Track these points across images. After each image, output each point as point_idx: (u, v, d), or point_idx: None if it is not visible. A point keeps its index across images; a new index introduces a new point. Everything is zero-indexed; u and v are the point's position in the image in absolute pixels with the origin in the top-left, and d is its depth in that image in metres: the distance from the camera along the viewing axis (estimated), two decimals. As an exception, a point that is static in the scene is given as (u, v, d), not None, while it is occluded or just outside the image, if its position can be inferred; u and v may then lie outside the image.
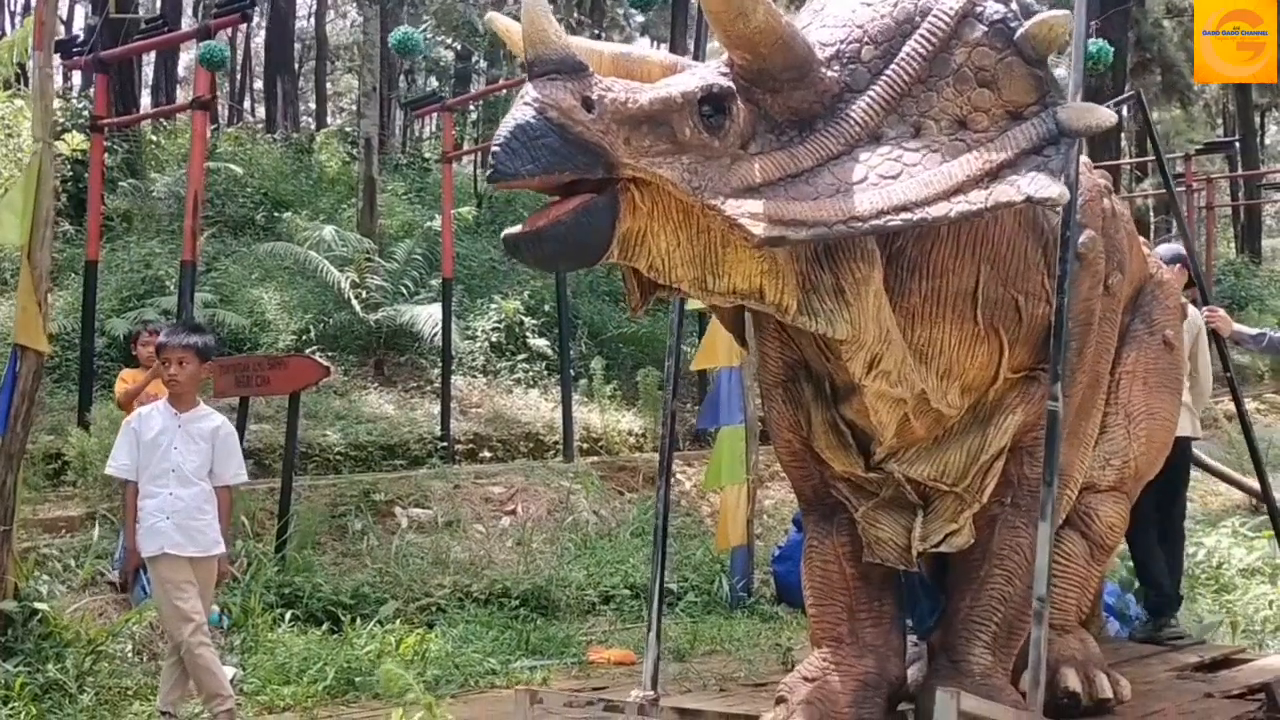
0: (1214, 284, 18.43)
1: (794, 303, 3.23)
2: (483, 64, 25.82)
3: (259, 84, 33.83)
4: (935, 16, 3.27)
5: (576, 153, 2.77)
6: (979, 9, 3.29)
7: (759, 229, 2.89)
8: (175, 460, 4.86)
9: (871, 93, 3.20)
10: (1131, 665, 5.48)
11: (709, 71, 3.18)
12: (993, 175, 3.12)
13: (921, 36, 3.25)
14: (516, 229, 2.85)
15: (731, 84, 3.08)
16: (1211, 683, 5.08)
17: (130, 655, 5.70)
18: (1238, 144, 22.96)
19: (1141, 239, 5.25)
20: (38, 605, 5.48)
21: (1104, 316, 4.09)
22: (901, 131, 3.18)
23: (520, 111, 2.77)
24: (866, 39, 3.26)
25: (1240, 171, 24.41)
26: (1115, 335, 4.32)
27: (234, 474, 5.05)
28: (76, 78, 18.61)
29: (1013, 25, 3.25)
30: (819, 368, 3.74)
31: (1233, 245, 27.67)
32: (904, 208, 3.00)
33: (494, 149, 2.77)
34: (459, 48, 19.94)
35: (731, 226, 2.93)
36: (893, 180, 3.06)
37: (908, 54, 3.24)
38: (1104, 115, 3.27)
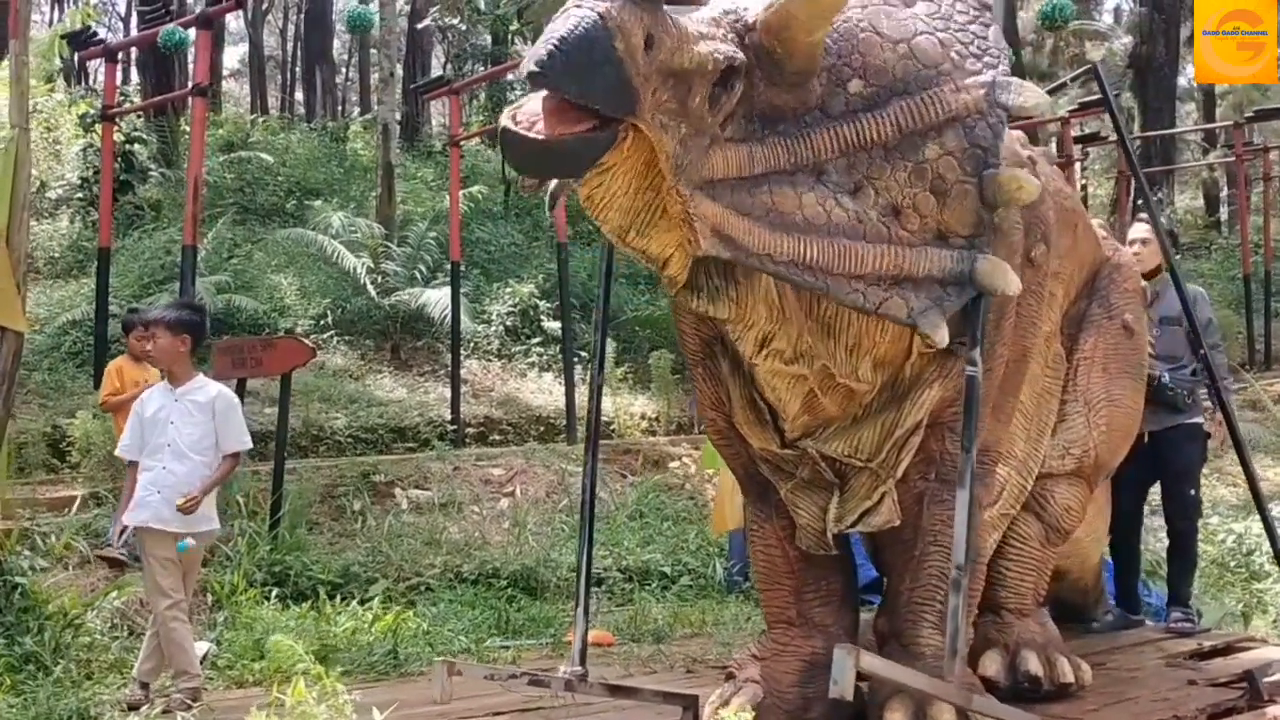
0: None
1: (684, 277, 3.23)
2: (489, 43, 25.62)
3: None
4: (933, 100, 3.25)
5: (619, 93, 2.77)
6: (972, 124, 3.28)
7: (705, 241, 2.99)
8: (171, 435, 4.91)
9: (839, 128, 3.20)
10: (1123, 652, 5.39)
11: (729, 34, 3.10)
12: (895, 281, 3.21)
13: (911, 108, 3.24)
14: (519, 129, 2.78)
15: (745, 59, 3.06)
16: (1199, 671, 4.99)
17: (108, 629, 5.78)
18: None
19: (1097, 221, 5.07)
20: (18, 579, 5.61)
21: (1027, 289, 3.97)
22: (843, 181, 3.20)
23: (589, 20, 2.71)
24: (861, 70, 3.25)
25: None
26: (1044, 309, 4.20)
27: (236, 440, 5.03)
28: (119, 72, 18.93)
29: (991, 163, 3.26)
30: (731, 343, 3.69)
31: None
32: (811, 268, 3.10)
33: (549, 45, 2.70)
34: (463, 28, 19.79)
35: (686, 221, 2.99)
36: (815, 230, 3.12)
37: (890, 115, 3.22)
38: (1013, 282, 3.34)
